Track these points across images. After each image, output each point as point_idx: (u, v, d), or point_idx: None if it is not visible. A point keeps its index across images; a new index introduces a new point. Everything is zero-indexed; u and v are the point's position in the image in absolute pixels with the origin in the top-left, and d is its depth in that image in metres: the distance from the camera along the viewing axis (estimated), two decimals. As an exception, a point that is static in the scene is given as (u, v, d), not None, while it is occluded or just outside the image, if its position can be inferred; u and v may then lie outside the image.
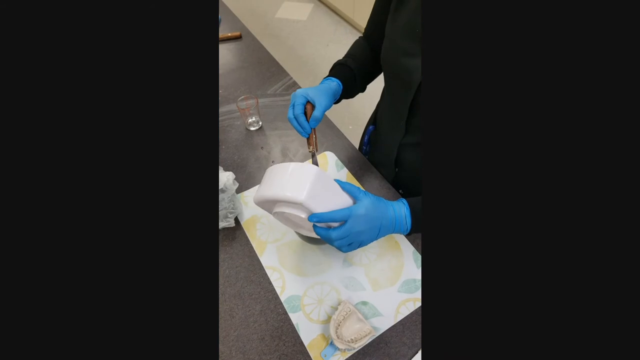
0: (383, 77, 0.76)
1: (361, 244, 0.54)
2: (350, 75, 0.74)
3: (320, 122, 0.67)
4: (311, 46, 2.58)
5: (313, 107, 0.67)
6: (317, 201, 0.50)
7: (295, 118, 0.65)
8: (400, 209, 0.55)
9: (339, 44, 2.57)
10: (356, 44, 0.81)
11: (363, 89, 0.80)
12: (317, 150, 0.68)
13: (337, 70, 0.74)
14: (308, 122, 0.66)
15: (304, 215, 0.51)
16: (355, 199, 0.54)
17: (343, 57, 0.78)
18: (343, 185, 0.54)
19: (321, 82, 0.72)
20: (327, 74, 0.76)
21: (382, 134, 0.81)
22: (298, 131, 0.66)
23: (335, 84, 0.71)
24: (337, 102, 0.74)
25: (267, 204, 0.56)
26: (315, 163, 0.67)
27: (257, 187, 0.84)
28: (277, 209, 0.54)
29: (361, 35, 0.83)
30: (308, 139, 0.67)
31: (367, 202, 0.53)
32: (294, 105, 0.66)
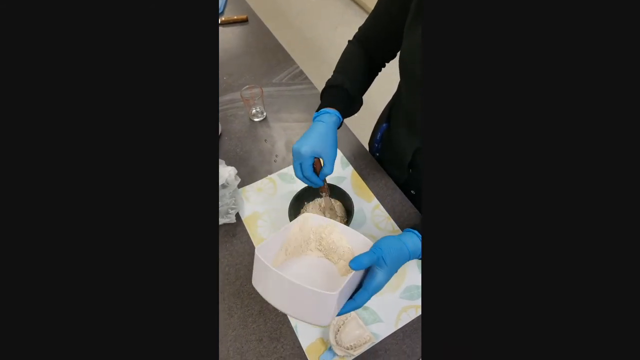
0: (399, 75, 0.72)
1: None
2: (348, 101, 0.69)
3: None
4: (319, 28, 2.50)
5: (320, 160, 0.64)
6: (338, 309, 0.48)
7: (306, 177, 0.63)
8: (415, 243, 0.53)
9: (348, 27, 2.49)
10: (349, 55, 0.74)
11: (360, 105, 0.75)
12: (328, 193, 0.70)
13: (335, 97, 0.68)
14: (318, 175, 0.64)
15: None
16: (372, 273, 0.51)
17: (337, 75, 0.71)
18: (357, 266, 0.48)
19: (320, 113, 0.66)
20: (326, 81, 0.70)
21: (397, 136, 0.78)
22: (310, 185, 0.65)
23: (335, 118, 0.66)
24: None
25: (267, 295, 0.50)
26: (328, 204, 0.70)
27: (259, 182, 0.82)
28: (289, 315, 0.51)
29: (354, 37, 0.76)
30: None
31: (386, 271, 0.50)
32: (301, 166, 0.62)
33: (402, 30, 0.63)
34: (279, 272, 0.46)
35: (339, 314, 0.48)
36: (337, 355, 0.59)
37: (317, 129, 0.63)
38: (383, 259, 0.49)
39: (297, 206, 0.73)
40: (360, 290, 0.49)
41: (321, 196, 0.73)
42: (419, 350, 0.60)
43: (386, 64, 0.77)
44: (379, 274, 0.49)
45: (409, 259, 0.53)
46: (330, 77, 0.71)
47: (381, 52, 0.72)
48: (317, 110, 0.67)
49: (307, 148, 0.61)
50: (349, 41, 0.76)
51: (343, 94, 0.68)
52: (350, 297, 0.49)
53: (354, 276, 0.48)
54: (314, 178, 0.63)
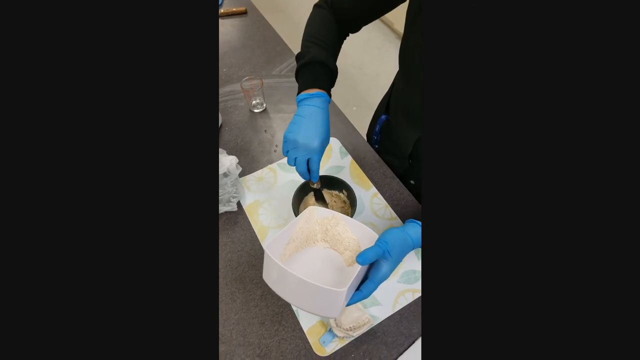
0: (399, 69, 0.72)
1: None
2: (332, 79, 0.66)
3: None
4: (317, 21, 2.49)
5: None
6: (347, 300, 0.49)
7: (300, 172, 0.63)
8: (418, 232, 0.54)
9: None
10: (320, 21, 0.68)
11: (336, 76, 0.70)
12: (320, 185, 0.69)
13: (322, 75, 0.64)
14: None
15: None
16: (377, 265, 0.52)
17: (317, 47, 0.65)
18: (364, 261, 0.50)
19: (312, 96, 0.61)
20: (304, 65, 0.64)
21: (397, 128, 0.78)
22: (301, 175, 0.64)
23: (327, 102, 0.63)
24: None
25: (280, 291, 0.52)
26: (320, 197, 0.70)
27: (260, 171, 0.83)
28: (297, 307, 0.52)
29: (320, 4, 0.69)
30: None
31: (391, 263, 0.52)
32: (296, 159, 0.61)
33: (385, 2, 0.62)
34: (290, 270, 0.47)
35: (347, 305, 0.49)
36: (337, 336, 0.61)
37: (316, 116, 0.60)
38: (389, 252, 0.51)
39: (300, 196, 0.74)
40: (367, 281, 0.51)
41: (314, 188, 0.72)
42: (415, 331, 0.62)
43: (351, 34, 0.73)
44: (385, 266, 0.51)
45: (413, 248, 0.54)
46: (310, 48, 0.65)
47: (356, 22, 0.68)
48: (303, 89, 0.63)
49: (318, 142, 0.58)
50: (317, 5, 0.70)
51: (327, 71, 0.64)
52: (357, 289, 0.51)
53: (360, 269, 0.50)
54: (306, 175, 0.63)
